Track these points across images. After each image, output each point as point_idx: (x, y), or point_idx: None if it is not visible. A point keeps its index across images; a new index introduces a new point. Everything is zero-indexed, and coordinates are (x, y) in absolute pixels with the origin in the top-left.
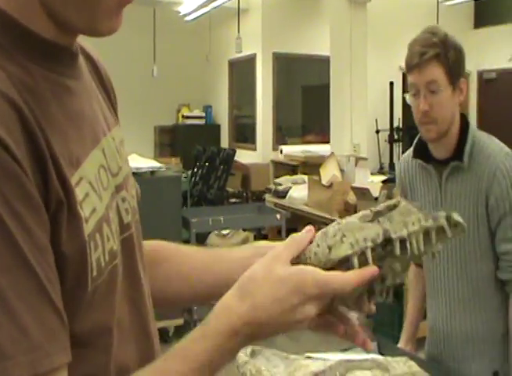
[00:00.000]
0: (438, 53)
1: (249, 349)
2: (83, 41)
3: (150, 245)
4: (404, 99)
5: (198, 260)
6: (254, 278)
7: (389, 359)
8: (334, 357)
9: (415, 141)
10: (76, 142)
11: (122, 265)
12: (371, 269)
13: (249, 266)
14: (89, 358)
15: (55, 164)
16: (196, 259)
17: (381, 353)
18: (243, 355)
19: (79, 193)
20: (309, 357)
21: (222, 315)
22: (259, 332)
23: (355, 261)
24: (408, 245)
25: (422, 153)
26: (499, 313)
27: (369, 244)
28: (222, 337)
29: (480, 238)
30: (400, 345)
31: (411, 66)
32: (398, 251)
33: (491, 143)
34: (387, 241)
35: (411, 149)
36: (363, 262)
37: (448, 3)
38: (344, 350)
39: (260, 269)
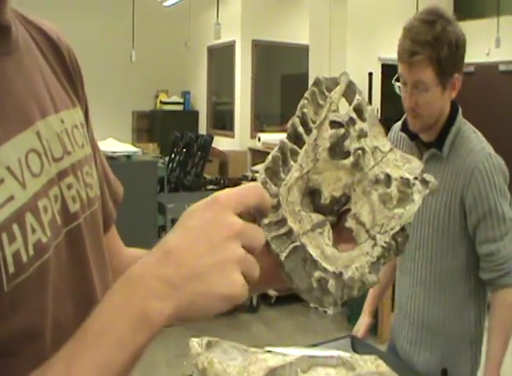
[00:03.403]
0: (429, 55)
1: (204, 341)
2: (41, 19)
3: (128, 252)
4: (382, 90)
5: None
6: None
7: (357, 357)
8: (296, 352)
9: (405, 115)
10: None
11: (67, 260)
12: None
13: None
14: (14, 368)
15: None
16: None
17: (355, 351)
18: (196, 346)
19: None
20: (269, 351)
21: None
22: (178, 275)
23: None
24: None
25: (409, 129)
26: (461, 312)
27: None
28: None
29: (450, 233)
30: (361, 316)
31: (401, 60)
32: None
33: (474, 139)
34: None
35: (401, 120)
36: None
37: None
38: (313, 345)
39: None
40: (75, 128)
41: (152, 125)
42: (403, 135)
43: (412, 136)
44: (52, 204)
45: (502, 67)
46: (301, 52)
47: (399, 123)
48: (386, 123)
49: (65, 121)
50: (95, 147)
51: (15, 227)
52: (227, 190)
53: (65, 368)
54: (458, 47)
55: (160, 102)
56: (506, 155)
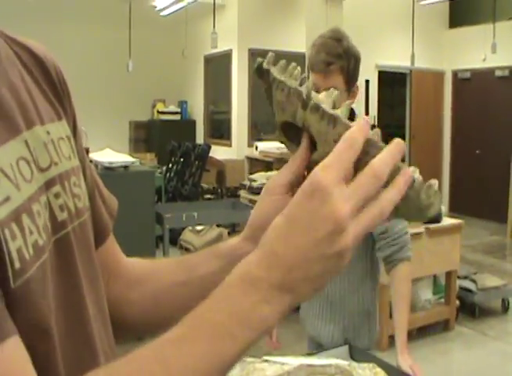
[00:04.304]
0: (341, 65)
1: None
2: (27, 39)
3: (127, 263)
4: (379, 97)
5: (175, 279)
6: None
7: (355, 364)
8: (294, 361)
9: None
10: None
11: (57, 268)
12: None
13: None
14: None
15: None
16: (172, 278)
17: (353, 359)
18: None
19: None
20: (267, 360)
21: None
22: (289, 280)
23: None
24: None
25: None
26: (358, 289)
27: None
28: (233, 294)
29: None
30: None
31: (316, 70)
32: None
33: None
34: None
35: None
36: None
37: (423, 2)
38: (310, 354)
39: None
40: (61, 140)
41: (149, 135)
42: None
43: None
44: (44, 210)
45: (498, 73)
46: (298, 60)
47: None
48: (383, 130)
49: (51, 132)
50: (84, 161)
51: (14, 226)
52: (325, 168)
53: (173, 350)
54: (358, 61)
55: (158, 111)
56: (502, 159)
